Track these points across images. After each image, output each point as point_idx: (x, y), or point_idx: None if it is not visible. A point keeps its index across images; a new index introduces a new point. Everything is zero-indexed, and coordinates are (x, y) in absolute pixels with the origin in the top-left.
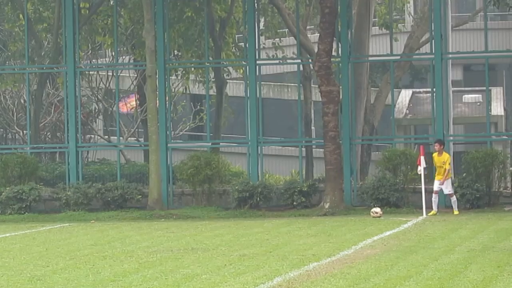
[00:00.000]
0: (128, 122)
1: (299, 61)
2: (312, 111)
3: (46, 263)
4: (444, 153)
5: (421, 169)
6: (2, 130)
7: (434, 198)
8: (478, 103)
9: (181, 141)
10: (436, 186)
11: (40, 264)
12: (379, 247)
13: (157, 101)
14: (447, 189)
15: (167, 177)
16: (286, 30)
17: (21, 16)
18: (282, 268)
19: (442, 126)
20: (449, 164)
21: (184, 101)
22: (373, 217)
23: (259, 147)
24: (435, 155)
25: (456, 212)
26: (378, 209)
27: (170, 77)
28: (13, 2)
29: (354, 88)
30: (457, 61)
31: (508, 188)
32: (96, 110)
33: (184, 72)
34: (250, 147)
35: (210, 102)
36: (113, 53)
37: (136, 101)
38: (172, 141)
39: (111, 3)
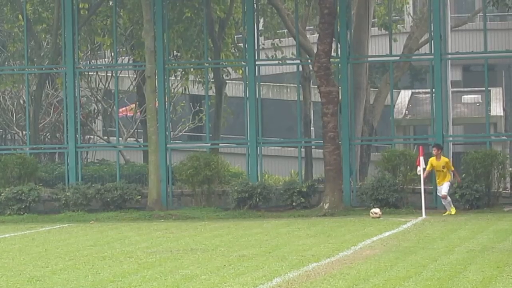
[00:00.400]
0: (128, 123)
1: (298, 61)
2: (312, 112)
3: (46, 264)
4: (442, 157)
5: (420, 170)
6: (1, 130)
7: (445, 202)
8: (478, 104)
9: (180, 141)
10: (440, 192)
11: (39, 265)
12: (378, 247)
13: (157, 102)
14: (444, 190)
15: (166, 178)
16: (286, 30)
17: (20, 16)
18: (281, 269)
19: (442, 127)
20: (452, 166)
21: (184, 101)
22: (373, 217)
23: (258, 148)
24: (433, 159)
25: (453, 211)
26: (377, 210)
27: (170, 78)
28: (13, 3)
29: (354, 88)
30: (457, 61)
31: (508, 189)
32: (96, 111)
33: (183, 72)
34: (250, 147)
35: (209, 102)
36: (113, 54)
37: (136, 107)
38: (171, 141)
39: (110, 3)
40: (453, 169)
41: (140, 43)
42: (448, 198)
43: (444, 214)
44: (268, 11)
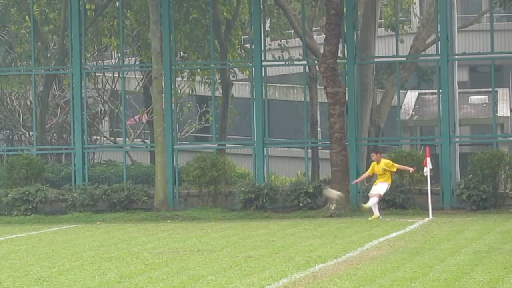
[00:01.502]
0: (134, 124)
1: (305, 62)
2: (318, 113)
3: (52, 265)
4: (382, 160)
5: (427, 171)
6: (8, 131)
7: (372, 201)
8: (484, 104)
9: (187, 142)
10: (375, 191)
11: (46, 266)
12: (385, 248)
13: (163, 103)
14: (382, 190)
15: (173, 179)
16: (292, 31)
17: (27, 17)
18: (288, 270)
19: (448, 127)
20: (394, 165)
21: (190, 102)
22: (331, 197)
23: (265, 149)
24: (374, 164)
25: (366, 207)
26: (334, 190)
27: (176, 79)
28: (19, 4)
29: (360, 89)
30: (463, 62)
31: None
32: (102, 112)
33: (190, 73)
34: (256, 148)
35: (216, 103)
36: (119, 55)
37: (142, 112)
38: (178, 142)
39: (117, 4)
40: (397, 166)
41: (146, 44)
42: (375, 200)
43: (370, 218)
44: (274, 12)
